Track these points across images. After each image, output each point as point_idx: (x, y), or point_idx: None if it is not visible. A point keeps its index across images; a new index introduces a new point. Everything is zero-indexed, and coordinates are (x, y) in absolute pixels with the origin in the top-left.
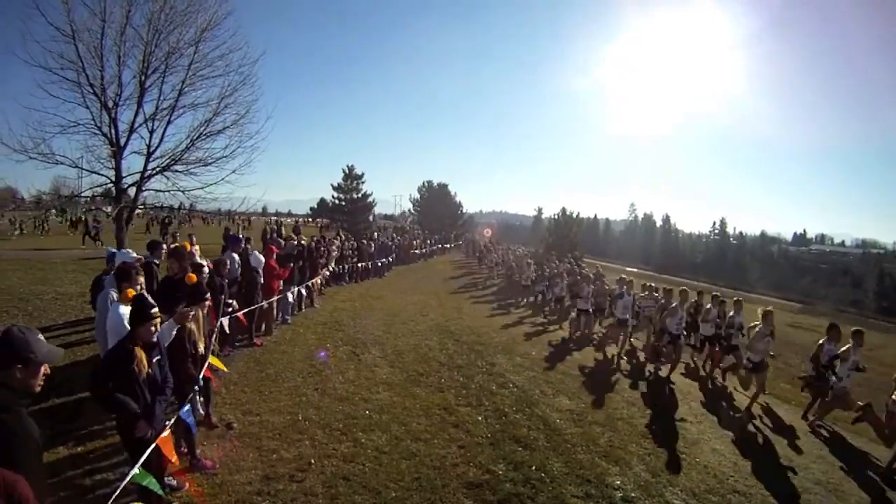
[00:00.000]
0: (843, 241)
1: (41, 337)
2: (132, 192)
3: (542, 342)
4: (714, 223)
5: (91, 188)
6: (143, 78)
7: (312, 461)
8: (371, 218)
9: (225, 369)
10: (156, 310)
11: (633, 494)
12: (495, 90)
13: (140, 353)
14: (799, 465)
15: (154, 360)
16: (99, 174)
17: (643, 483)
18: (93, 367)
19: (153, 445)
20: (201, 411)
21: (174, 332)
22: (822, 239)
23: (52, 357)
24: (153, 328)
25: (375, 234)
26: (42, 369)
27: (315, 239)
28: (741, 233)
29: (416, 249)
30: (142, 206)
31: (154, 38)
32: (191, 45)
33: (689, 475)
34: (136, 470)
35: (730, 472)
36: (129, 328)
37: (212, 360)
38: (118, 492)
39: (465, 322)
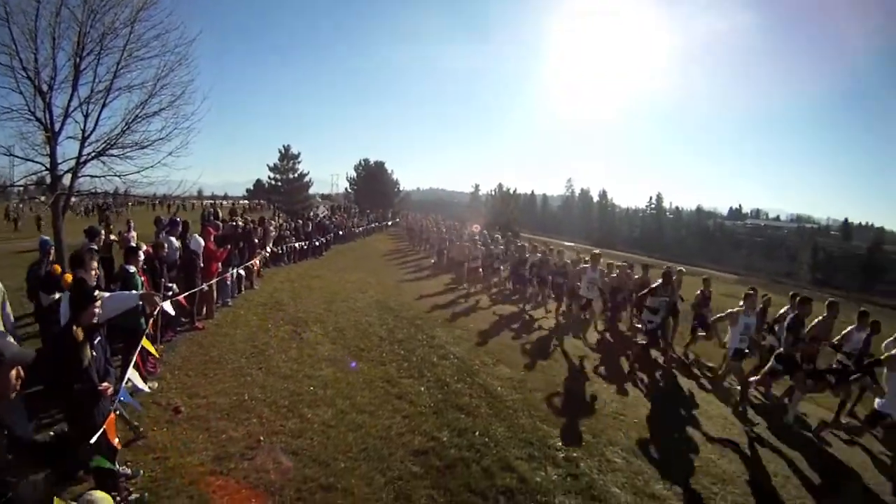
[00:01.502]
0: (777, 216)
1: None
2: (68, 179)
3: (480, 315)
4: (650, 198)
5: (25, 177)
6: (77, 60)
7: (261, 438)
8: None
9: (157, 354)
10: (97, 292)
11: (574, 454)
12: (432, 68)
13: (82, 338)
14: (725, 412)
15: (96, 342)
16: (34, 161)
17: (584, 443)
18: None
19: (101, 430)
20: (146, 388)
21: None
22: (757, 214)
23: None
24: (95, 311)
25: (313, 212)
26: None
27: (252, 220)
28: (677, 207)
29: (353, 228)
30: (77, 193)
31: (89, 18)
32: (126, 26)
33: (629, 434)
34: None
35: (669, 431)
36: (71, 314)
37: (144, 343)
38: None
39: (405, 298)
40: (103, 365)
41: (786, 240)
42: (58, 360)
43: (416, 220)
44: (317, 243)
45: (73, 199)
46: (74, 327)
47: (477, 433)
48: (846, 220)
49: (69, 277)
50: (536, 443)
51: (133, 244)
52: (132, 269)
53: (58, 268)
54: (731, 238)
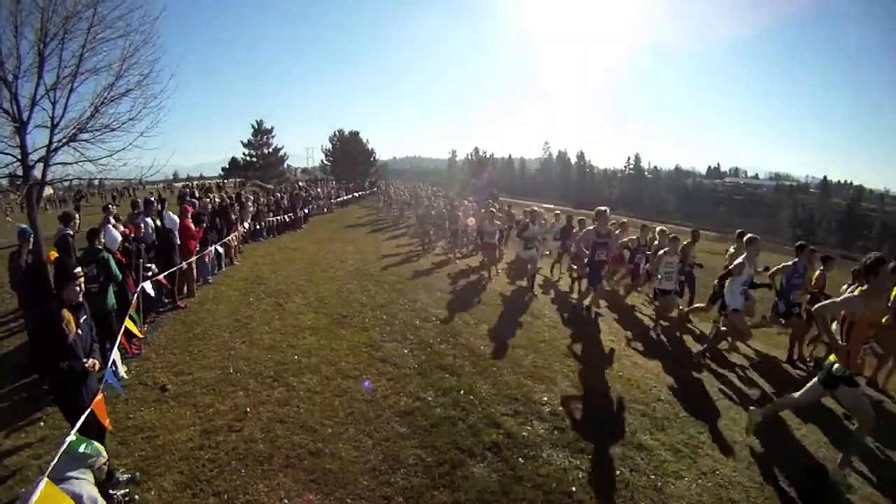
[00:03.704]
0: (756, 175)
1: None
2: (40, 169)
3: (460, 278)
4: (629, 158)
5: None
6: (41, 46)
7: (248, 410)
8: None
9: (139, 334)
10: (78, 269)
11: (560, 408)
12: (404, 35)
13: (67, 315)
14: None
15: (81, 320)
16: (4, 154)
17: (569, 396)
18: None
19: (88, 410)
20: (123, 373)
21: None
22: (735, 172)
23: None
24: (77, 288)
25: (287, 185)
26: None
27: (229, 196)
28: (656, 167)
29: (331, 199)
30: (50, 182)
31: (50, 3)
32: (89, 8)
33: (614, 387)
34: (72, 436)
35: (653, 383)
36: (54, 291)
37: (127, 323)
38: (58, 457)
39: (385, 264)
40: (89, 343)
41: (765, 197)
42: (43, 337)
43: (414, 195)
44: (292, 216)
45: (47, 191)
46: (58, 306)
47: (462, 392)
48: (825, 177)
49: (53, 255)
50: (521, 398)
51: (111, 224)
52: (100, 248)
53: (53, 254)
54: (710, 196)
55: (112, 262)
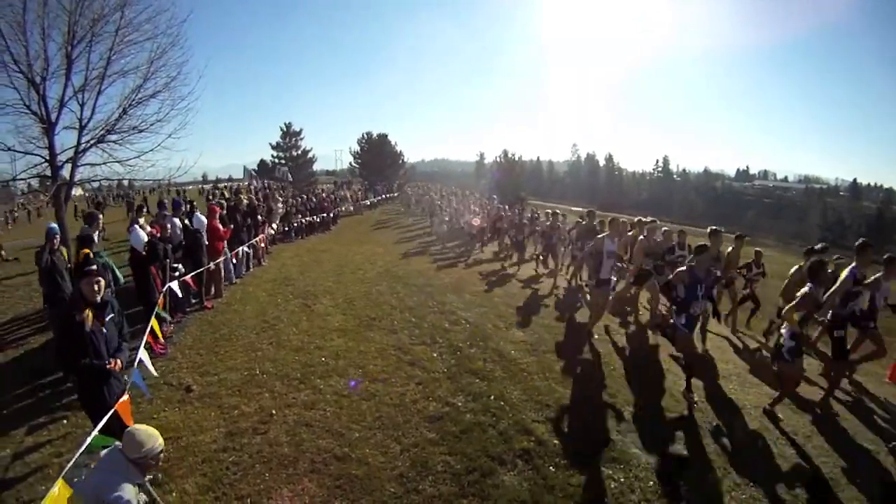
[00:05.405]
0: (785, 177)
1: None
2: (68, 169)
3: (490, 280)
4: (657, 161)
5: (26, 170)
6: (69, 49)
7: (274, 412)
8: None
9: (161, 337)
10: (94, 267)
11: (592, 415)
12: (433, 38)
13: (87, 311)
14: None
15: (108, 319)
16: (33, 154)
17: (601, 403)
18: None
19: (112, 410)
20: (153, 371)
21: None
22: (764, 174)
23: None
24: (95, 286)
25: (320, 188)
26: None
27: (257, 197)
28: (684, 169)
29: (360, 202)
30: (78, 182)
31: (77, 6)
32: (116, 11)
33: (649, 395)
34: (94, 435)
35: (683, 388)
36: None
37: (153, 323)
38: (77, 455)
39: (414, 266)
40: (116, 343)
41: (794, 200)
42: (63, 334)
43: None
44: (320, 219)
45: (74, 191)
46: (76, 300)
47: (492, 397)
48: (855, 180)
49: (86, 252)
50: (553, 404)
51: (138, 226)
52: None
53: (86, 250)
54: (739, 199)
55: (115, 266)
